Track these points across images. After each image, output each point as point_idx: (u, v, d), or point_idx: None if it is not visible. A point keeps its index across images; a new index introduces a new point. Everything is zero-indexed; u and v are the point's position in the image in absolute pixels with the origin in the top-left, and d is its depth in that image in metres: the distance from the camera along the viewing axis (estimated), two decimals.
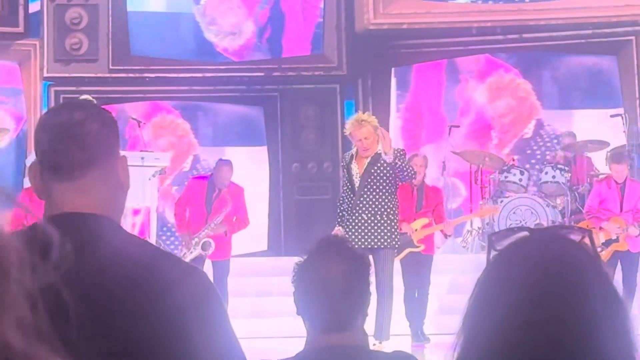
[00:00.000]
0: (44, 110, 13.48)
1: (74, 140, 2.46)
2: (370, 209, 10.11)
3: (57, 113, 2.62)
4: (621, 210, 11.37)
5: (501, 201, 13.17)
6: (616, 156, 11.84)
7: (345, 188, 10.38)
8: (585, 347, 1.77)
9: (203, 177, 12.09)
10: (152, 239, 11.97)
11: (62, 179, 2.47)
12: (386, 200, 10.17)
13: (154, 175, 11.80)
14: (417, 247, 11.51)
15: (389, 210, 10.18)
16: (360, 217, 10.09)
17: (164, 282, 2.32)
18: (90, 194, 2.46)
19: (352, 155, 10.39)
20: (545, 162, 13.59)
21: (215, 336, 2.36)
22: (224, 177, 11.66)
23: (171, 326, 2.29)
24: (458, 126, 14.83)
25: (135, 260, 2.35)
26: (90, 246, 2.37)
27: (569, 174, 13.25)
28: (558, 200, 13.24)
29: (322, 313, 3.21)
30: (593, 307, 1.79)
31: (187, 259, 11.37)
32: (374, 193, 10.13)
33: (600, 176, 12.79)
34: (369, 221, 10.10)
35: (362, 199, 10.12)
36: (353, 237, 10.04)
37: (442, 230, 11.95)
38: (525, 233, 1.96)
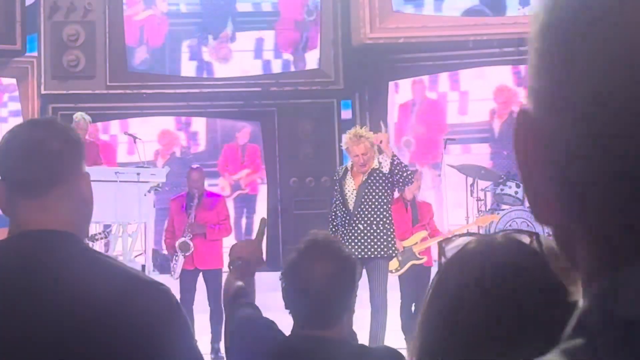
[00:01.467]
0: None
1: (35, 159, 2.49)
2: (366, 219, 10.13)
3: (19, 131, 2.65)
4: None
5: (497, 214, 13.17)
6: None
7: (338, 202, 10.37)
8: (528, 345, 1.76)
9: (180, 195, 12.15)
10: (149, 256, 11.99)
11: (25, 197, 2.50)
12: (382, 210, 10.19)
13: (149, 191, 11.81)
14: (420, 259, 11.53)
15: (384, 220, 10.20)
16: (356, 227, 10.10)
17: (124, 299, 2.34)
18: (53, 212, 2.49)
19: (346, 169, 10.38)
20: None
21: (178, 352, 2.38)
22: (194, 182, 11.74)
23: (132, 342, 2.31)
24: (454, 139, 14.84)
25: (94, 276, 2.37)
26: (48, 263, 2.40)
27: None
28: None
29: (306, 311, 3.30)
30: (534, 306, 1.79)
31: (177, 270, 11.41)
32: (371, 204, 10.15)
33: None
34: (365, 231, 10.12)
35: (359, 209, 10.13)
36: (349, 247, 10.04)
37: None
38: (472, 237, 1.98)
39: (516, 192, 13.38)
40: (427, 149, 16.27)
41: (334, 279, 3.26)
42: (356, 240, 10.11)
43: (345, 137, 10.35)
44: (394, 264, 11.65)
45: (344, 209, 10.24)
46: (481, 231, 13.07)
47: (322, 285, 3.24)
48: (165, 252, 12.28)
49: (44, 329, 2.30)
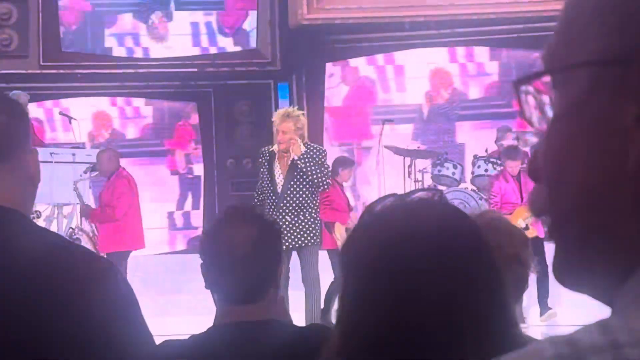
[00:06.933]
0: None
1: None
2: (293, 210, 10.07)
3: None
4: (522, 200, 11.62)
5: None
6: (511, 152, 12.17)
7: (266, 186, 10.25)
8: (435, 308, 1.69)
9: None
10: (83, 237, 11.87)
11: None
12: (308, 201, 10.15)
13: (85, 172, 11.69)
14: None
15: (310, 209, 10.17)
16: (284, 219, 9.97)
17: (63, 269, 2.31)
18: None
19: (273, 153, 10.25)
20: (477, 156, 13.64)
21: (117, 317, 2.34)
22: (101, 165, 11.65)
23: (70, 309, 2.27)
24: (392, 120, 14.85)
25: (39, 252, 2.33)
26: None
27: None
28: None
29: (230, 283, 2.99)
30: (449, 266, 1.72)
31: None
32: (297, 194, 10.08)
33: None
34: (293, 222, 10.04)
35: (285, 200, 10.05)
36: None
37: None
38: (392, 198, 1.87)
39: (453, 173, 13.43)
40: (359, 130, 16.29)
41: (259, 244, 2.97)
42: (284, 232, 10.03)
43: (275, 115, 10.30)
44: None
45: (272, 195, 10.13)
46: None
47: (246, 252, 2.95)
48: None
49: None
